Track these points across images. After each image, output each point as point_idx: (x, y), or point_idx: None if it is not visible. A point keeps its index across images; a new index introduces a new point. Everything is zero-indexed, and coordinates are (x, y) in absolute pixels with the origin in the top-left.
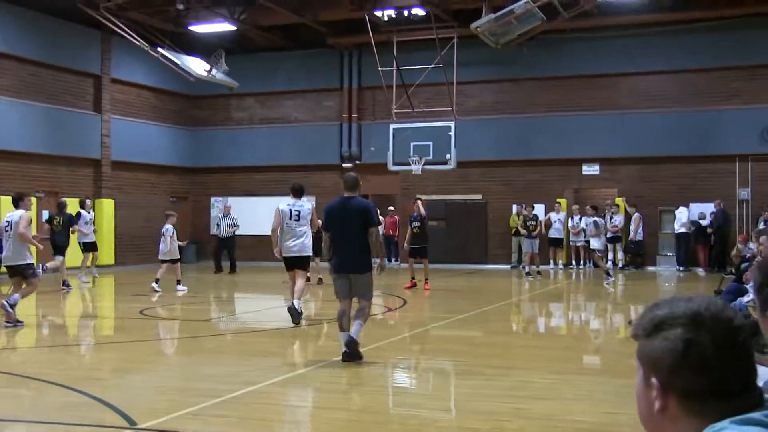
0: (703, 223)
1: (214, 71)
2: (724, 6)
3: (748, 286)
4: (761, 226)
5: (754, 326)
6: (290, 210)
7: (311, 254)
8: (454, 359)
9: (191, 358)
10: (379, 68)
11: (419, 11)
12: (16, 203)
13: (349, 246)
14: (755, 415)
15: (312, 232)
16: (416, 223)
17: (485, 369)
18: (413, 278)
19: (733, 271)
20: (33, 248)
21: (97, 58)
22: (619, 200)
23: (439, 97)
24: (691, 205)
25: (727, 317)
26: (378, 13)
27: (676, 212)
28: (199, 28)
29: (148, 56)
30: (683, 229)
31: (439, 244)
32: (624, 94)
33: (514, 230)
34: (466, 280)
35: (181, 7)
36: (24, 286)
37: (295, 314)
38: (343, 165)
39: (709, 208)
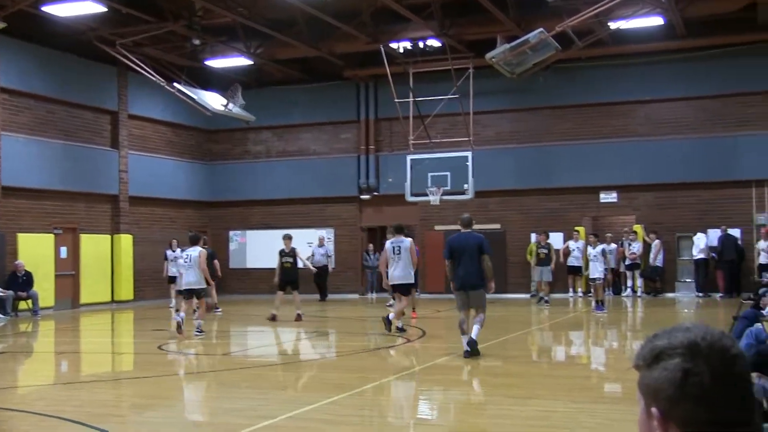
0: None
1: (230, 105)
2: (738, 32)
3: (765, 312)
4: None
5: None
6: (392, 246)
7: (413, 282)
8: (474, 389)
9: (209, 392)
10: (396, 99)
11: (434, 42)
12: (195, 242)
13: (468, 270)
14: None
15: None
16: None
17: (505, 399)
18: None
19: (752, 296)
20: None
21: (113, 94)
22: (637, 227)
23: (456, 127)
24: (709, 231)
25: (723, 347)
26: (393, 45)
27: (694, 238)
28: (215, 63)
29: (164, 92)
30: (702, 255)
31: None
32: (640, 121)
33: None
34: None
35: (197, 42)
36: (198, 304)
37: (387, 324)
38: (361, 196)
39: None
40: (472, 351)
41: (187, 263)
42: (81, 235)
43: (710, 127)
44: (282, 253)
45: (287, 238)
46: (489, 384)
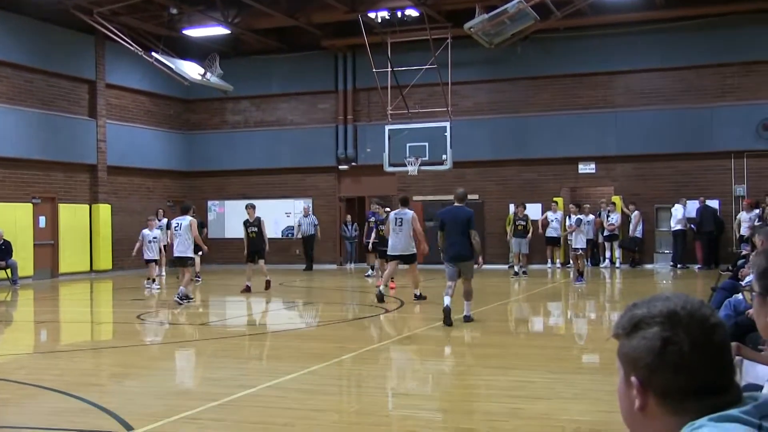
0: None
1: (208, 75)
2: (716, 2)
3: (743, 283)
4: (757, 223)
5: (748, 324)
6: (395, 218)
7: (415, 252)
8: (452, 360)
9: (188, 362)
10: (374, 69)
11: (413, 12)
12: (185, 211)
13: (458, 242)
14: (733, 412)
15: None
16: (382, 226)
17: (483, 369)
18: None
19: (730, 268)
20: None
21: (91, 63)
22: (615, 198)
23: (434, 97)
24: (688, 202)
25: (702, 315)
26: (371, 15)
27: (672, 210)
28: (193, 32)
29: (142, 61)
30: (680, 227)
31: (436, 245)
32: (618, 92)
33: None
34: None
35: (174, 11)
36: (184, 272)
37: (420, 298)
38: (339, 167)
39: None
40: (467, 321)
41: (177, 231)
42: (59, 204)
43: (688, 98)
44: (246, 224)
45: (250, 207)
46: (467, 354)
